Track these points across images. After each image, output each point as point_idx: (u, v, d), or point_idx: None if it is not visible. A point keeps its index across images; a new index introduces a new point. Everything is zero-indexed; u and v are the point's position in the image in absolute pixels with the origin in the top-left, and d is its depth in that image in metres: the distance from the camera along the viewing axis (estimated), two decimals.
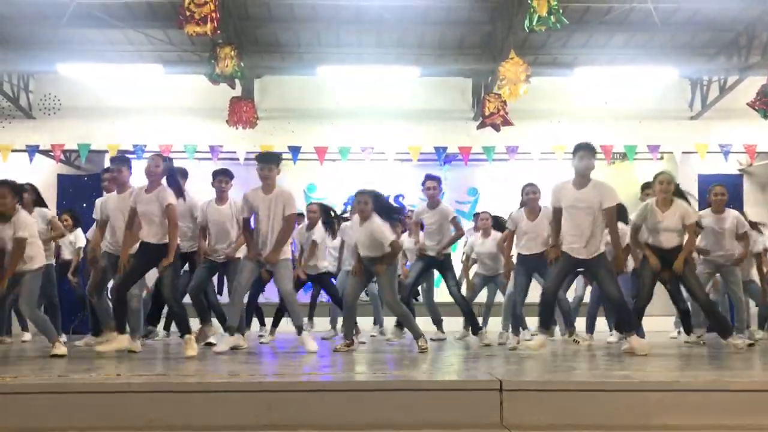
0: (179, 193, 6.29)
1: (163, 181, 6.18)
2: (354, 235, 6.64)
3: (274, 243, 6.27)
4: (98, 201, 7.03)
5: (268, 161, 6.36)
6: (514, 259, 7.61)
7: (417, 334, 6.52)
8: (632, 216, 6.87)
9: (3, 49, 11.35)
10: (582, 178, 6.08)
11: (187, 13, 8.81)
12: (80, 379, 4.33)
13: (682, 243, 6.48)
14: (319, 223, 8.50)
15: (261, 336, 8.67)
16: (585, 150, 6.08)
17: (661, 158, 13.08)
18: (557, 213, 6.19)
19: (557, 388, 4.09)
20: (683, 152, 12.24)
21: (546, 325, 6.32)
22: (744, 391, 4.04)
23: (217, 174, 7.19)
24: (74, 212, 8.83)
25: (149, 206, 6.02)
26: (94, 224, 7.31)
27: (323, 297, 9.87)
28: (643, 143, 11.98)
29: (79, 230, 8.69)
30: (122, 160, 6.91)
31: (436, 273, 8.09)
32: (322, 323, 9.85)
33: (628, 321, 6.17)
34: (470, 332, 8.12)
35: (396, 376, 4.68)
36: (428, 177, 7.72)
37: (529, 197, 7.44)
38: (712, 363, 5.60)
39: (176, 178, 6.33)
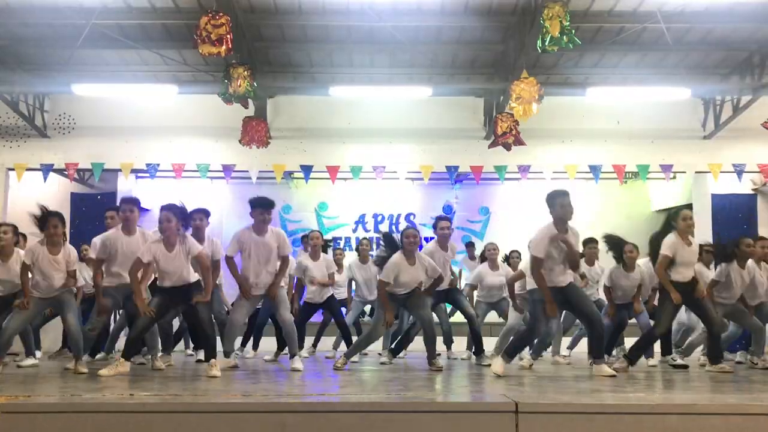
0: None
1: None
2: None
3: (274, 278, 6.71)
4: (100, 239, 6.95)
5: (267, 207, 6.69)
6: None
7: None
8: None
9: (19, 70, 11.47)
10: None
11: (204, 34, 8.87)
12: (94, 399, 4.32)
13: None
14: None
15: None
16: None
17: (674, 178, 13.04)
18: None
19: (574, 410, 4.05)
20: (696, 172, 12.18)
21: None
22: (764, 414, 3.99)
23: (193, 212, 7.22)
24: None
25: (176, 262, 6.16)
26: (87, 263, 7.48)
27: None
28: (656, 163, 11.93)
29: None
30: (133, 200, 6.99)
31: None
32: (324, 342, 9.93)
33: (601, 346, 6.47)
34: (473, 353, 8.22)
35: (410, 398, 4.64)
36: (442, 218, 7.88)
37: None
38: (731, 386, 5.53)
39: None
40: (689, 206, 7.88)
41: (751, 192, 12.39)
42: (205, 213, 7.34)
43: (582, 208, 11.64)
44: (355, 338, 8.37)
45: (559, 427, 3.93)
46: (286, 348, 7.05)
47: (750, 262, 7.61)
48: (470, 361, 8.60)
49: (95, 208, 11.75)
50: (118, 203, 7.58)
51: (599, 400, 4.46)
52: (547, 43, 8.69)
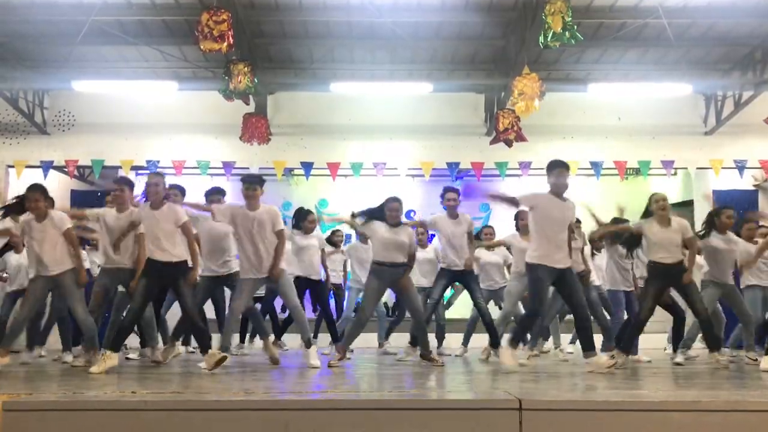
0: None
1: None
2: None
3: (274, 257, 6.40)
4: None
5: (252, 182, 6.55)
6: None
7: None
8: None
9: (19, 66, 11.45)
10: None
11: (205, 30, 8.84)
12: (95, 397, 4.31)
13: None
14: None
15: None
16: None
17: (675, 174, 13.02)
18: None
19: (578, 407, 4.03)
20: (697, 168, 12.17)
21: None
22: (766, 411, 3.97)
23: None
24: None
25: (162, 224, 6.16)
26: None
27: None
28: (657, 159, 11.93)
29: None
30: (124, 180, 7.03)
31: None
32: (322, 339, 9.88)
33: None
34: (489, 345, 8.05)
35: (413, 395, 4.63)
36: (449, 188, 7.76)
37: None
38: (733, 383, 5.52)
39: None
40: (730, 207, 7.76)
41: (752, 188, 12.37)
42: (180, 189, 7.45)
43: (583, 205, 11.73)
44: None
45: (563, 423, 3.91)
46: (257, 339, 6.89)
47: (732, 236, 7.60)
48: (463, 357, 8.52)
49: (95, 205, 11.67)
50: None
51: (603, 397, 4.44)
52: (549, 39, 8.67)
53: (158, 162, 11.87)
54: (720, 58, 11.63)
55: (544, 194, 6.34)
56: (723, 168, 11.85)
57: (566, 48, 10.06)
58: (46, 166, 11.71)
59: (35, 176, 11.82)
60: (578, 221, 7.64)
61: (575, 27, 8.76)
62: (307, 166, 11.89)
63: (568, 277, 6.24)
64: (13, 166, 11.84)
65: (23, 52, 11.35)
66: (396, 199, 7.08)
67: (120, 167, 11.98)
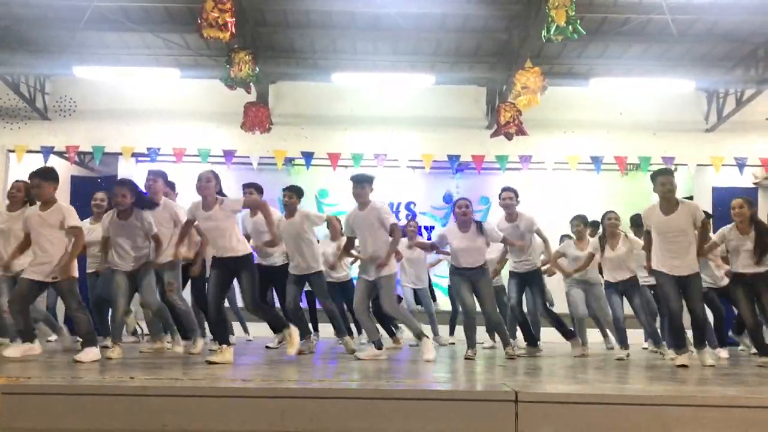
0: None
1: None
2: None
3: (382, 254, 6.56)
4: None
5: (361, 180, 6.67)
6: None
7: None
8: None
9: (20, 51, 11.41)
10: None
11: (210, 18, 8.82)
12: (94, 382, 4.33)
13: None
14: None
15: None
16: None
17: (676, 170, 12.98)
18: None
19: (574, 400, 4.05)
20: (698, 165, 12.16)
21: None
22: (764, 407, 3.99)
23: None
24: None
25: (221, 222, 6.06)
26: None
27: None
28: (658, 155, 11.91)
29: None
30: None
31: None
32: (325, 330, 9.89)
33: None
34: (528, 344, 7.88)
35: (410, 385, 4.65)
36: (505, 188, 7.66)
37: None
38: (730, 378, 5.54)
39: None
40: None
41: (753, 185, 12.38)
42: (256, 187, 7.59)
43: (583, 199, 11.75)
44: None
45: (559, 416, 3.93)
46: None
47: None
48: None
49: (95, 191, 11.65)
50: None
51: (599, 390, 4.47)
52: (552, 32, 8.65)
53: (159, 149, 11.86)
54: (723, 55, 11.60)
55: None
56: (723, 165, 11.84)
57: (569, 42, 10.04)
58: (47, 152, 11.70)
59: (35, 161, 11.85)
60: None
61: (578, 21, 8.74)
62: (308, 156, 11.89)
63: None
64: (13, 151, 11.83)
65: (25, 37, 11.31)
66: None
67: (120, 154, 11.98)
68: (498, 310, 7.51)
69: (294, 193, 7.29)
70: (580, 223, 8.17)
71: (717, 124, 12.05)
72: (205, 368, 5.36)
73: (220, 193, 6.11)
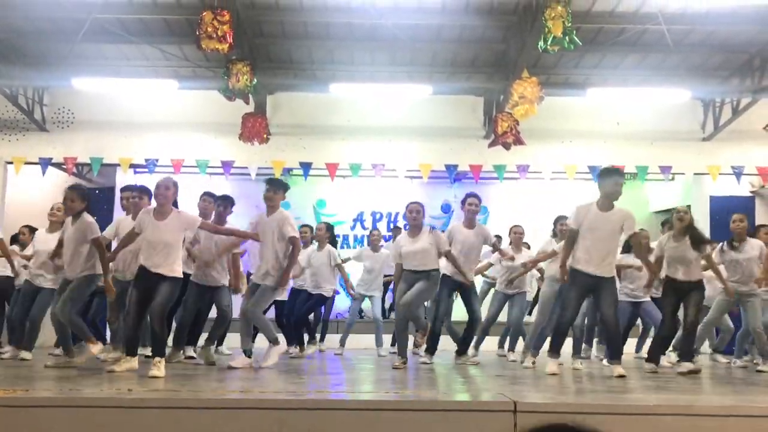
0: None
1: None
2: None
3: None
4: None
5: (276, 185, 6.77)
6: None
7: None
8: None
9: (19, 63, 11.44)
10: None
11: (208, 29, 8.85)
12: (92, 394, 4.32)
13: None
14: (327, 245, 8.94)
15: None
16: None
17: (673, 179, 13.04)
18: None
19: (572, 410, 4.04)
20: (695, 174, 12.20)
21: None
22: (763, 417, 3.99)
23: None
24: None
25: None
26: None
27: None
28: (655, 164, 11.94)
29: None
30: (132, 188, 7.06)
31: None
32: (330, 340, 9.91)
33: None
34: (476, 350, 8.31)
35: (408, 396, 4.64)
36: (471, 195, 7.67)
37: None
38: (728, 387, 5.54)
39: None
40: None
41: (750, 194, 12.40)
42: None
43: None
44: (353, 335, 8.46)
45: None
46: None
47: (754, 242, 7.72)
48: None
49: (93, 202, 11.65)
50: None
51: (597, 401, 4.47)
52: (549, 43, 8.69)
53: (157, 160, 11.87)
54: (719, 64, 11.66)
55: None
56: (720, 174, 11.87)
57: (565, 52, 10.08)
58: (45, 163, 11.71)
59: (34, 173, 11.87)
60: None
61: (574, 32, 8.78)
62: (306, 167, 11.90)
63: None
64: (11, 163, 11.83)
65: (23, 49, 11.34)
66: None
67: (119, 165, 11.99)
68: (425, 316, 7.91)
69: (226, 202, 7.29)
70: (565, 223, 8.20)
71: (714, 133, 12.09)
72: (203, 379, 5.36)
73: (175, 204, 5.95)
